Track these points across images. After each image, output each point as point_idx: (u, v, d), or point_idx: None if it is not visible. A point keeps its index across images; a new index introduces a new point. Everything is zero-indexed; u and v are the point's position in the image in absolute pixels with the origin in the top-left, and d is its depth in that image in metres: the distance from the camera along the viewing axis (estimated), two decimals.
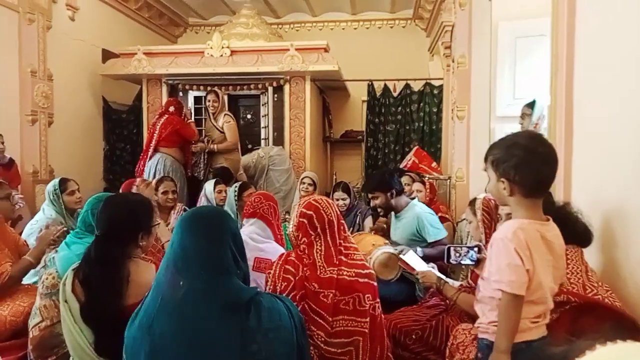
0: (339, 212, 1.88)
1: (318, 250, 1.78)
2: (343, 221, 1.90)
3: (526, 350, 1.37)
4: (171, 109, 4.77)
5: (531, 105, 3.13)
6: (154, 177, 4.34)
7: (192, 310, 1.28)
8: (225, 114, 4.96)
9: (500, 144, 1.44)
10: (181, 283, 1.29)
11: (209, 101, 4.90)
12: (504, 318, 1.36)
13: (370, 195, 3.17)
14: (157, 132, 4.64)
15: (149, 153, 4.65)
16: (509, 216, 1.91)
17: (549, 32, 2.30)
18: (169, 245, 1.39)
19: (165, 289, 1.32)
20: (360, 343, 1.71)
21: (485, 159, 1.46)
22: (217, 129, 4.90)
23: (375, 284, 1.82)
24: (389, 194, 3.05)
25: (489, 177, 1.47)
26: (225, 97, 5.56)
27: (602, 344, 0.46)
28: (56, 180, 3.21)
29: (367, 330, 1.72)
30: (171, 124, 4.64)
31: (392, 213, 3.22)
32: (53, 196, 3.13)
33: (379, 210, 3.19)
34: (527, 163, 1.35)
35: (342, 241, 1.83)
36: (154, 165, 4.56)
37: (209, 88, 5.44)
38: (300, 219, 1.81)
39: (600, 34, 1.95)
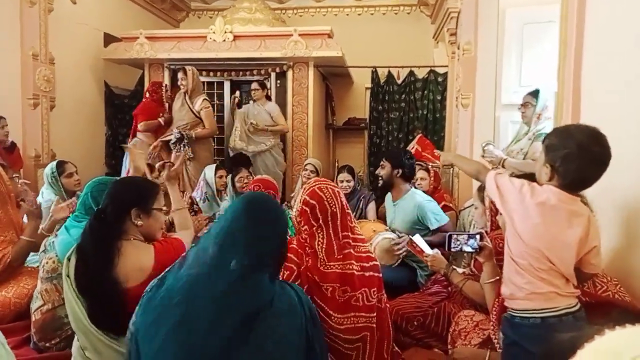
0: (344, 203, 1.79)
1: (320, 242, 1.73)
2: (349, 211, 1.83)
3: (540, 325, 1.41)
4: (147, 95, 4.80)
5: (535, 94, 3.00)
6: (129, 162, 4.34)
7: (222, 287, 1.21)
8: (204, 99, 4.67)
9: (560, 131, 1.51)
10: (232, 262, 1.21)
11: (179, 79, 4.65)
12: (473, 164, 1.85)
13: (381, 162, 3.18)
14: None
15: (129, 138, 4.75)
16: None
17: (558, 18, 2.26)
18: (217, 221, 1.35)
19: (202, 266, 1.25)
20: (368, 337, 1.69)
21: (543, 141, 1.52)
22: (192, 111, 4.61)
23: (380, 275, 1.79)
24: (395, 170, 3.03)
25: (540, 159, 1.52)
26: (228, 83, 5.53)
27: (610, 328, 0.46)
28: (53, 163, 3.20)
29: (374, 325, 1.70)
30: (138, 110, 4.71)
31: (390, 199, 3.20)
32: (51, 179, 3.13)
33: (379, 180, 3.19)
34: (575, 158, 1.38)
35: (348, 233, 1.77)
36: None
37: (211, 73, 5.42)
38: (303, 207, 1.76)
39: (610, 21, 1.92)
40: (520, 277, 1.46)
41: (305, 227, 1.76)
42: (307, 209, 1.74)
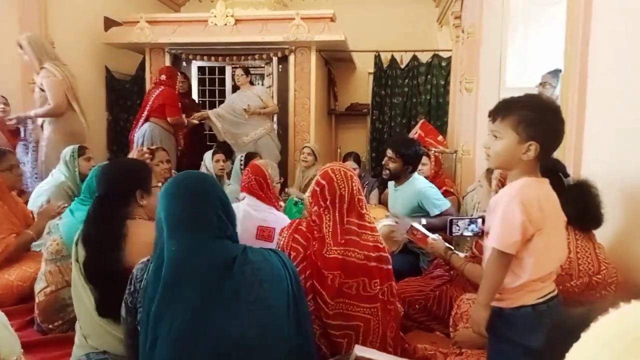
0: (355, 188, 1.76)
1: (327, 225, 1.73)
2: (362, 197, 1.80)
3: (532, 314, 1.35)
4: (162, 77, 4.71)
5: (555, 74, 2.74)
6: (142, 145, 4.29)
7: (184, 269, 1.27)
8: (44, 68, 3.74)
9: (529, 103, 1.33)
10: (173, 248, 1.28)
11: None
12: (487, 274, 1.38)
13: (390, 153, 3.02)
14: (150, 102, 4.63)
15: (140, 122, 4.66)
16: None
17: None
18: (157, 213, 1.38)
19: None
20: (362, 329, 1.67)
21: (504, 117, 1.33)
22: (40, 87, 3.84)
23: (388, 267, 1.75)
24: (406, 167, 3.00)
25: (496, 136, 1.35)
26: (230, 68, 5.48)
27: (625, 302, 0.45)
28: (75, 146, 3.21)
29: (370, 317, 1.68)
30: (163, 98, 4.58)
31: (392, 184, 3.19)
32: (69, 158, 3.12)
33: (384, 171, 3.12)
34: (557, 127, 1.34)
35: (354, 219, 1.74)
36: (142, 135, 4.54)
37: (212, 58, 5.37)
38: (315, 187, 1.79)
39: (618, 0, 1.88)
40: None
41: (315, 207, 1.78)
42: (317, 188, 1.77)
